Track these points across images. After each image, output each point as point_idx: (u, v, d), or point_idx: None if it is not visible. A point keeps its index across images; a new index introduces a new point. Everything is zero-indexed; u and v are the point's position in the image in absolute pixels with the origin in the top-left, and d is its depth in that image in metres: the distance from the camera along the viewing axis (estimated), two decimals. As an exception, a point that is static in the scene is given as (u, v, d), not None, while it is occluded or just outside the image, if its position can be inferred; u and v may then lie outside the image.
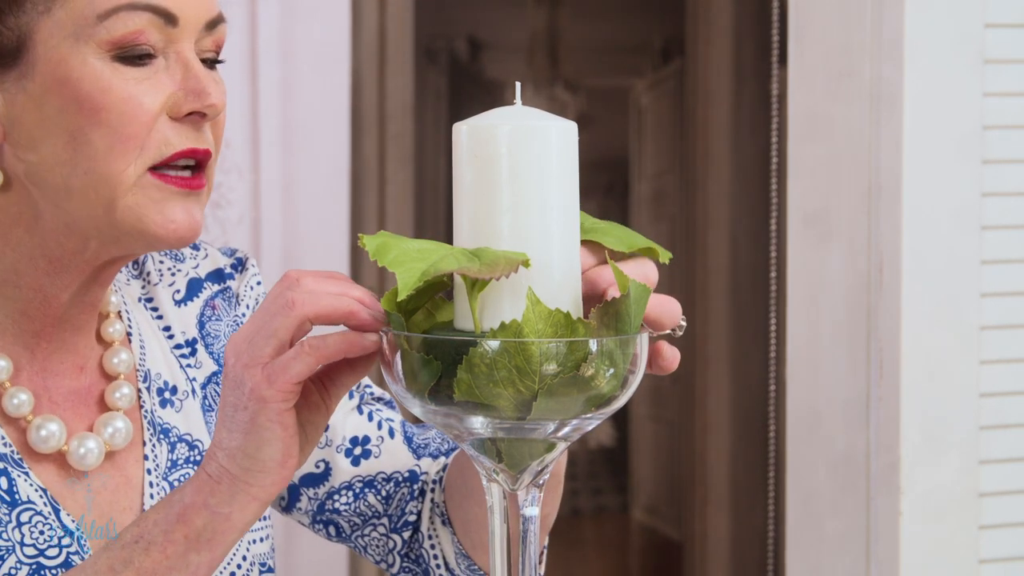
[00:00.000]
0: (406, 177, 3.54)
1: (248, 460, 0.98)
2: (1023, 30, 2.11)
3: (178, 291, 1.30)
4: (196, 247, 1.33)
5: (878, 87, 2.09)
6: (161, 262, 1.30)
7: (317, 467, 1.32)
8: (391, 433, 1.34)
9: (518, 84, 1.00)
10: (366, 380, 1.36)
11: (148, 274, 1.29)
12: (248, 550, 1.25)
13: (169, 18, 1.10)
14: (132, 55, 1.09)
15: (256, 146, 2.77)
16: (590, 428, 0.96)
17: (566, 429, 0.94)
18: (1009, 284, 2.11)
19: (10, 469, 1.13)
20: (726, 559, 4.19)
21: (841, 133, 2.14)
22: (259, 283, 1.34)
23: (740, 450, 4.15)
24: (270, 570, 1.27)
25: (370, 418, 1.35)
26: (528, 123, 0.95)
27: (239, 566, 1.24)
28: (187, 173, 1.12)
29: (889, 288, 2.08)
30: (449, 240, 0.98)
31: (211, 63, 1.16)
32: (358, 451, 1.32)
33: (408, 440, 1.35)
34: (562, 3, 5.94)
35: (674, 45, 5.09)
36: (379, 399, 1.37)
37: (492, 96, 5.99)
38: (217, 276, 1.32)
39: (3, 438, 1.14)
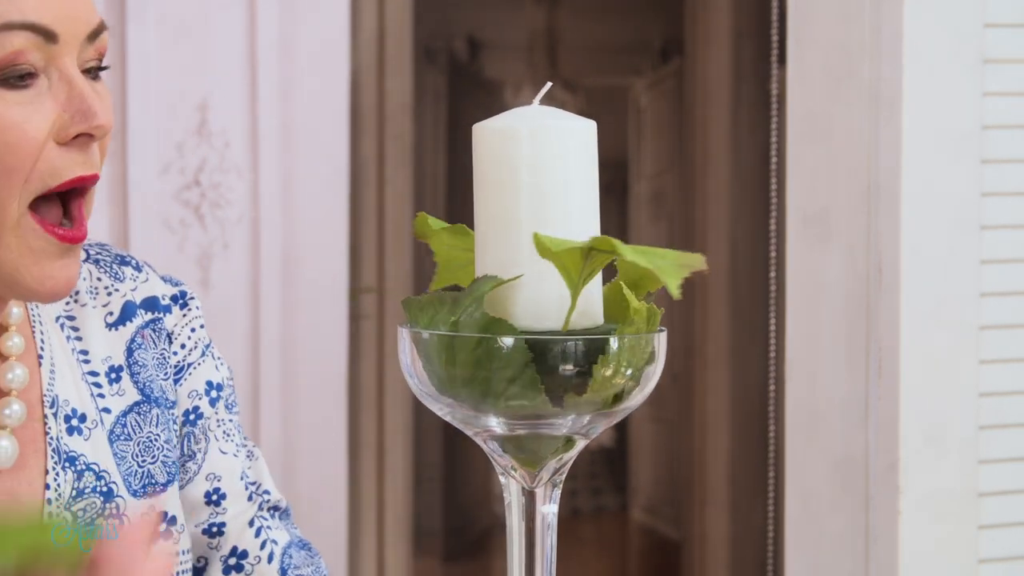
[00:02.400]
0: (405, 177, 3.54)
1: None
2: (1023, 30, 2.11)
3: (111, 313, 1.24)
4: (139, 268, 1.28)
5: (877, 87, 2.09)
6: (99, 279, 1.25)
7: (199, 561, 1.28)
8: (270, 558, 1.29)
9: (548, 84, 1.01)
10: (265, 484, 1.31)
11: (77, 292, 1.24)
12: None
13: (49, 35, 1.05)
14: (12, 76, 1.05)
15: (255, 146, 2.77)
16: (606, 427, 0.97)
17: (583, 426, 0.95)
18: (1009, 284, 2.11)
19: None
20: (725, 559, 4.18)
21: (840, 133, 2.14)
22: (202, 326, 1.28)
23: (739, 450, 4.15)
24: None
25: (257, 534, 1.29)
26: (548, 123, 0.95)
27: None
28: (58, 207, 1.08)
29: (888, 288, 2.08)
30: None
31: (95, 72, 1.11)
32: (232, 562, 1.28)
33: (282, 572, 1.30)
34: (561, 3, 5.94)
35: (673, 45, 5.09)
36: (274, 508, 1.31)
37: (492, 96, 5.98)
38: (150, 304, 1.26)
39: None
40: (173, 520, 1.23)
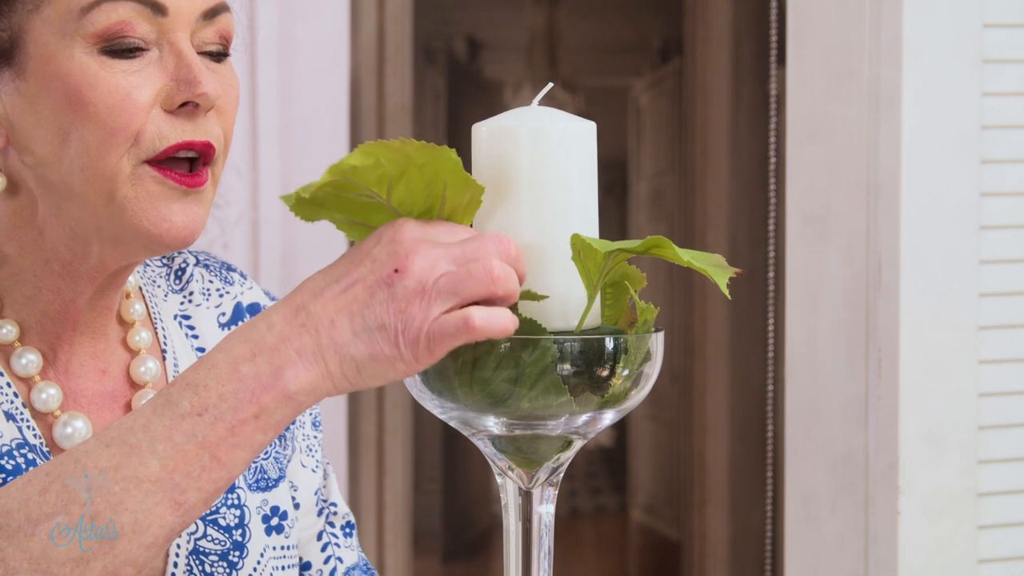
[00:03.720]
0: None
1: (356, 375, 0.95)
2: (1022, 30, 2.11)
3: (223, 313, 1.27)
4: (244, 276, 1.31)
5: (877, 87, 2.09)
6: (211, 281, 1.28)
7: None
8: (332, 573, 1.31)
9: (549, 85, 1.01)
10: (333, 497, 1.33)
11: (192, 293, 1.27)
12: None
13: (156, 7, 1.07)
14: (120, 48, 1.07)
15: (255, 146, 2.77)
16: (604, 426, 0.97)
17: (581, 427, 0.96)
18: (1008, 284, 2.11)
19: (39, 461, 1.13)
20: (725, 559, 4.19)
21: (840, 133, 2.14)
22: None
23: (739, 450, 4.15)
24: None
25: (323, 548, 1.31)
26: (548, 124, 0.95)
27: None
28: (185, 168, 1.09)
29: (888, 288, 2.08)
30: None
31: (216, 56, 1.12)
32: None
33: None
34: (561, 3, 5.94)
35: (673, 45, 5.09)
36: (346, 525, 1.33)
37: (491, 96, 5.99)
38: (254, 310, 1.30)
39: (34, 430, 1.14)
40: (285, 515, 1.25)
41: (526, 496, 0.98)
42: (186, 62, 1.08)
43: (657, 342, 0.96)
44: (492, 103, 5.84)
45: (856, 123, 2.12)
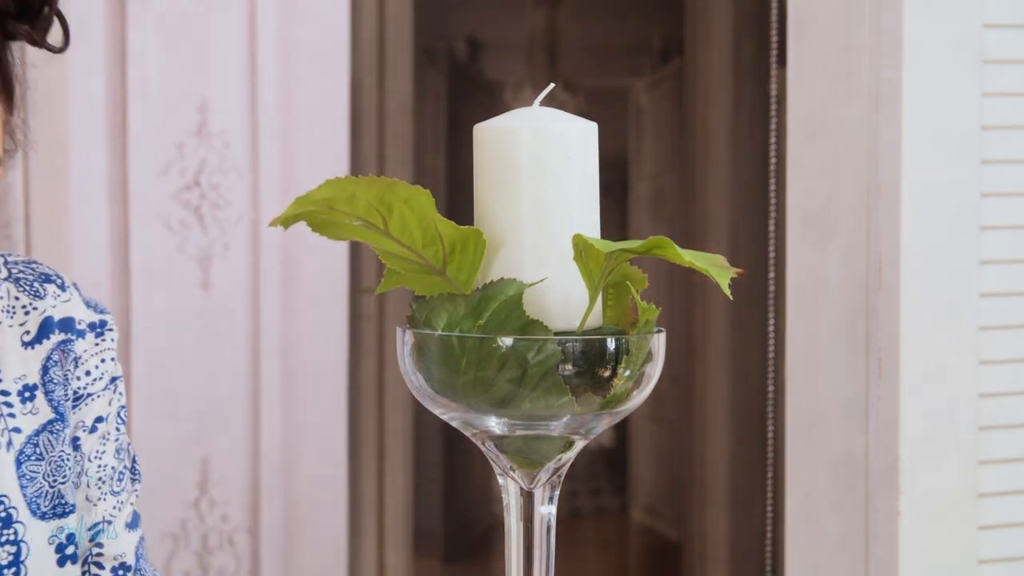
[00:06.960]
0: (405, 177, 3.53)
1: None
2: (1022, 30, 2.11)
3: (28, 332, 1.23)
4: (63, 287, 1.26)
5: (877, 87, 2.09)
6: (16, 298, 1.24)
7: None
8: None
9: (551, 85, 1.01)
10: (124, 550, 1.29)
11: None
12: None
13: None
14: None
15: (255, 146, 2.77)
16: (606, 427, 0.97)
17: (583, 427, 0.96)
18: (1008, 284, 2.11)
19: None
20: (725, 559, 4.18)
21: (840, 134, 2.14)
22: (113, 359, 1.27)
23: (739, 450, 4.15)
24: None
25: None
26: (549, 124, 0.95)
27: None
28: None
29: (888, 288, 2.08)
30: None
31: None
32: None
33: (137, 557, 1.29)
34: (561, 3, 5.94)
35: (673, 45, 5.09)
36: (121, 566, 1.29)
37: (492, 96, 5.98)
38: (65, 325, 1.25)
39: None
40: (80, 543, 1.24)
41: (528, 496, 0.98)
42: None
43: (659, 343, 0.96)
44: (492, 103, 5.83)
45: (856, 123, 2.12)
